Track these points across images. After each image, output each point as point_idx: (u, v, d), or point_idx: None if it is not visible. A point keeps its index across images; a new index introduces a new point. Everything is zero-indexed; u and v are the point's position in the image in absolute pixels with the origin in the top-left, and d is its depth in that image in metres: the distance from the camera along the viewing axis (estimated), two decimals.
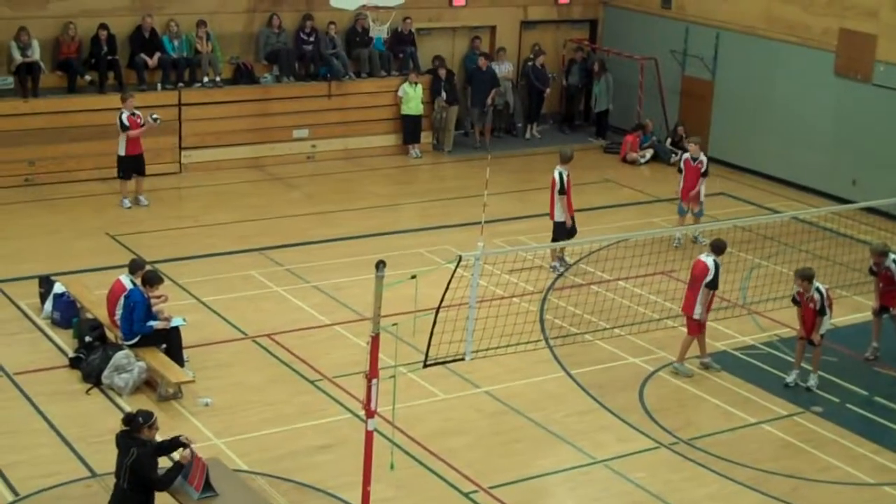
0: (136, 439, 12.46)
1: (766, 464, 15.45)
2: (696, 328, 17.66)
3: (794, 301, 17.64)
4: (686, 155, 23.12)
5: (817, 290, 17.22)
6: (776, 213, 23.85)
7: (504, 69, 30.22)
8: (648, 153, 29.30)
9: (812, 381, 17.48)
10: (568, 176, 21.23)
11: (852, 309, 20.17)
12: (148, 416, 12.63)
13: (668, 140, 29.70)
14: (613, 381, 17.52)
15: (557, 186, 21.12)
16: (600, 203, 25.41)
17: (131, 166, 23.51)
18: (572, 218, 21.20)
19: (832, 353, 18.53)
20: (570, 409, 16.66)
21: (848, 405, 17.20)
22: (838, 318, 19.35)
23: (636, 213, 25.13)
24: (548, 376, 17.56)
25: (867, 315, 19.14)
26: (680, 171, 23.15)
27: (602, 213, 24.69)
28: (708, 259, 17.53)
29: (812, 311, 17.32)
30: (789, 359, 18.23)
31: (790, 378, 17.59)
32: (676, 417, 16.57)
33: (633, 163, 29.09)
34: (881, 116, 25.68)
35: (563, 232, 21.20)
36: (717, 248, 17.72)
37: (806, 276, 17.24)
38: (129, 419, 12.64)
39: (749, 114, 28.54)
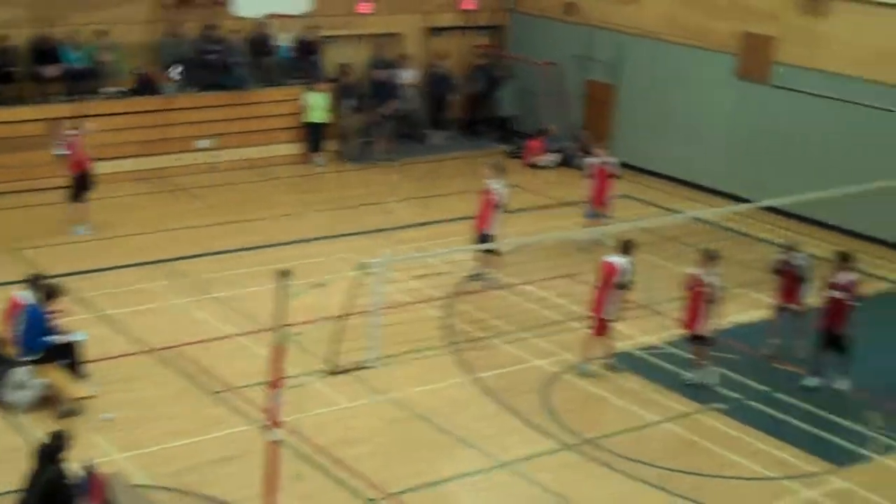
0: (56, 458, 12.29)
1: (670, 462, 15.59)
2: (601, 329, 17.79)
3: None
4: (596, 160, 23.25)
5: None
6: (678, 213, 24.09)
7: (408, 76, 30.24)
8: (553, 157, 29.47)
9: (697, 377, 17.69)
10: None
11: (752, 306, 20.42)
12: (69, 436, 12.51)
13: (573, 144, 29.89)
14: (518, 384, 17.59)
15: (499, 200, 20.85)
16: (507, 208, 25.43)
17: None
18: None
19: (733, 351, 18.80)
20: (475, 413, 16.68)
21: (749, 402, 17.42)
22: (739, 315, 19.62)
23: (541, 217, 25.24)
24: (452, 381, 17.58)
25: (767, 312, 19.41)
26: (589, 176, 23.25)
27: (506, 218, 24.69)
28: (618, 260, 17.65)
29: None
30: (691, 357, 18.45)
31: (691, 376, 17.82)
32: (581, 418, 16.66)
33: (538, 167, 29.24)
34: (780, 117, 26.08)
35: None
36: (626, 247, 17.87)
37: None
38: (56, 437, 12.49)
39: (652, 117, 28.85)
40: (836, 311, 17.52)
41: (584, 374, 17.81)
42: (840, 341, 17.63)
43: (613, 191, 23.24)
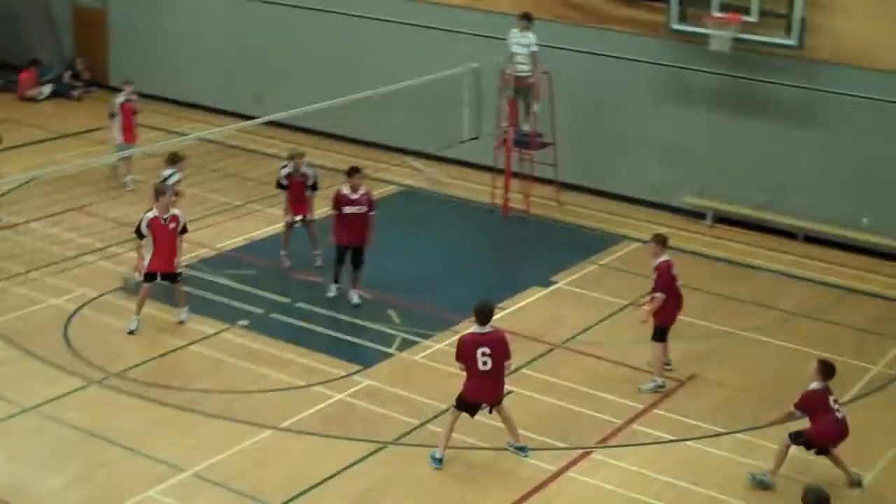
0: None
1: (200, 384, 15.54)
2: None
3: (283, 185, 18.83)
4: (121, 97, 22.42)
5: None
6: (184, 135, 23.81)
7: None
8: (47, 89, 28.29)
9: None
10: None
11: (266, 221, 20.60)
12: None
13: (69, 73, 28.84)
14: (34, 325, 16.91)
15: None
16: (2, 145, 24.22)
17: None
18: None
19: (251, 266, 18.93)
20: None
21: (272, 315, 17.62)
22: (255, 231, 19.74)
23: (41, 151, 24.22)
24: None
25: (279, 226, 19.62)
26: (115, 113, 22.41)
27: (5, 156, 23.57)
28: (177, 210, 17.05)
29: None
30: (214, 280, 18.42)
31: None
32: (104, 353, 16.24)
33: (32, 100, 27.99)
34: (276, 30, 26.25)
35: None
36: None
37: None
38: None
39: (146, 39, 28.22)
40: (352, 225, 17.80)
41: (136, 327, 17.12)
42: (357, 255, 17.98)
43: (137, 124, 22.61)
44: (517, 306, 18.27)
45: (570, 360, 16.68)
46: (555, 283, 19.21)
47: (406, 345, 16.84)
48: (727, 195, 21.80)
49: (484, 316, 13.80)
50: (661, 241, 15.97)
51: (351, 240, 17.85)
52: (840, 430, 13.66)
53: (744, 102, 21.56)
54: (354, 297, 17.95)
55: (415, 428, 14.71)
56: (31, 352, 16.18)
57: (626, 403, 15.47)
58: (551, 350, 16.89)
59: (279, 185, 19.07)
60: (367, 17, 25.01)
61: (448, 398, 15.19)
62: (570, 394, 15.69)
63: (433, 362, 16.29)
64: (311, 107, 20.26)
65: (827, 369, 13.61)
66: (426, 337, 16.99)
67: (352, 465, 13.88)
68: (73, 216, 20.32)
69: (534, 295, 18.73)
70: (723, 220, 21.88)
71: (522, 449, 14.29)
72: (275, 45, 26.34)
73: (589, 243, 20.79)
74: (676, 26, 21.33)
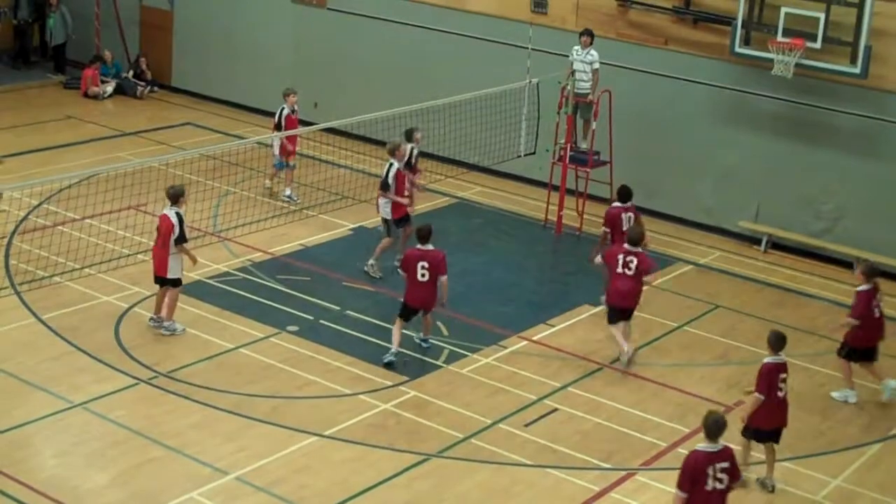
0: None
1: (247, 387, 15.61)
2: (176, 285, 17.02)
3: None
4: (287, 108, 22.15)
5: None
6: (242, 139, 23.98)
7: None
8: (111, 87, 28.59)
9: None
10: (398, 170, 19.05)
11: (320, 228, 20.70)
12: None
13: (131, 73, 29.13)
14: (87, 321, 17.04)
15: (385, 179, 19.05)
16: (63, 141, 24.58)
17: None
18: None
19: (302, 272, 19.02)
20: (43, 355, 16.04)
21: (321, 321, 17.67)
22: (308, 238, 19.83)
23: (101, 148, 24.47)
24: (17, 324, 16.82)
25: (338, 233, 19.69)
26: (279, 126, 22.08)
27: (66, 151, 23.91)
28: (170, 212, 16.60)
29: None
30: (262, 282, 18.53)
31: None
32: (154, 352, 16.36)
33: (96, 97, 28.29)
34: (338, 39, 26.39)
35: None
36: (174, 196, 16.67)
37: None
38: None
39: (211, 43, 28.47)
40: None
41: (175, 332, 17.06)
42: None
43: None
44: (567, 324, 18.22)
45: (617, 380, 16.61)
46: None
47: (453, 357, 16.84)
48: (783, 221, 21.65)
49: (422, 237, 16.24)
50: (869, 272, 16.08)
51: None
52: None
53: (804, 128, 21.41)
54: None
55: (459, 441, 14.69)
56: (81, 348, 16.32)
57: (672, 426, 15.39)
58: (599, 369, 16.83)
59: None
60: (430, 28, 25.08)
61: (494, 413, 15.27)
62: (617, 414, 15.62)
63: (480, 376, 16.28)
64: (370, 115, 20.40)
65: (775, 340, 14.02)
66: (474, 350, 16.98)
67: (394, 476, 13.88)
68: (130, 214, 20.50)
69: (584, 313, 18.67)
70: (778, 245, 21.73)
71: (425, 341, 16.93)
72: (337, 52, 26.46)
73: None
74: (740, 49, 21.20)
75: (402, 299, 16.53)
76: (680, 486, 11.47)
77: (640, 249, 16.84)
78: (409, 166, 19.49)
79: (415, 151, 19.75)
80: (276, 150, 21.88)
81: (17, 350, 16.12)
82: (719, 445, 11.61)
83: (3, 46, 30.19)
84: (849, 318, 16.15)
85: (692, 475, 11.43)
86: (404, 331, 16.65)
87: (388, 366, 16.36)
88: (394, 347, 16.49)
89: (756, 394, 13.84)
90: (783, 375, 13.94)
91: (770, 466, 14.18)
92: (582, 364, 16.90)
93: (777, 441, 14.13)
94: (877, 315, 16.18)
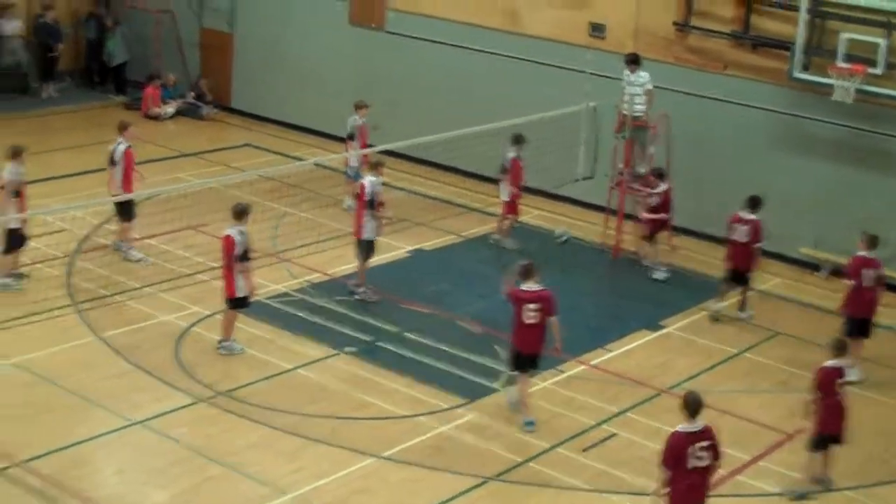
0: None
1: (305, 408, 15.66)
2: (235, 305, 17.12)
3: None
4: (360, 120, 22.51)
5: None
6: (300, 160, 24.12)
7: (13, 26, 28.83)
8: (171, 108, 28.87)
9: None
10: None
11: (379, 250, 20.72)
12: None
13: (192, 94, 29.40)
14: (146, 340, 17.18)
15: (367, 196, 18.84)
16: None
17: None
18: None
19: (363, 294, 19.07)
20: (103, 373, 16.19)
21: (379, 343, 17.71)
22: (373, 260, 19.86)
23: (162, 168, 24.65)
24: (78, 342, 16.99)
25: (395, 255, 19.74)
26: (353, 137, 22.55)
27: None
28: (233, 230, 16.67)
29: None
30: (321, 304, 18.59)
31: None
32: (213, 371, 16.46)
33: (157, 118, 28.56)
34: (395, 62, 26.52)
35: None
36: (238, 213, 16.76)
37: None
38: None
39: (270, 65, 28.69)
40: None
41: (233, 352, 17.10)
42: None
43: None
44: (624, 349, 18.16)
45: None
46: (663, 327, 19.07)
47: (512, 381, 16.79)
48: (844, 248, 21.44)
49: (526, 275, 15.15)
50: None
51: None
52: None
53: (864, 155, 21.24)
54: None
55: (517, 465, 14.66)
56: (141, 365, 16.45)
57: (731, 454, 15.23)
58: (657, 395, 16.74)
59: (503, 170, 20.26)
60: (487, 52, 25.13)
61: (552, 437, 15.22)
62: None
63: (538, 400, 16.22)
64: (428, 138, 20.47)
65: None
66: (531, 374, 16.93)
67: (451, 499, 13.87)
68: (189, 234, 20.65)
69: (641, 338, 18.60)
70: (839, 272, 21.52)
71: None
72: (394, 75, 26.58)
73: (700, 289, 20.58)
74: (799, 75, 21.10)
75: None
76: (663, 462, 12.12)
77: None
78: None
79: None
80: (353, 161, 22.00)
81: (77, 368, 16.27)
82: (699, 425, 12.18)
83: (70, 67, 30.53)
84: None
85: (674, 454, 12.03)
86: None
87: (528, 425, 15.39)
88: (528, 413, 15.31)
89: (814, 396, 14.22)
90: (842, 380, 14.18)
91: (827, 467, 14.40)
92: (640, 389, 16.83)
93: (840, 442, 14.36)
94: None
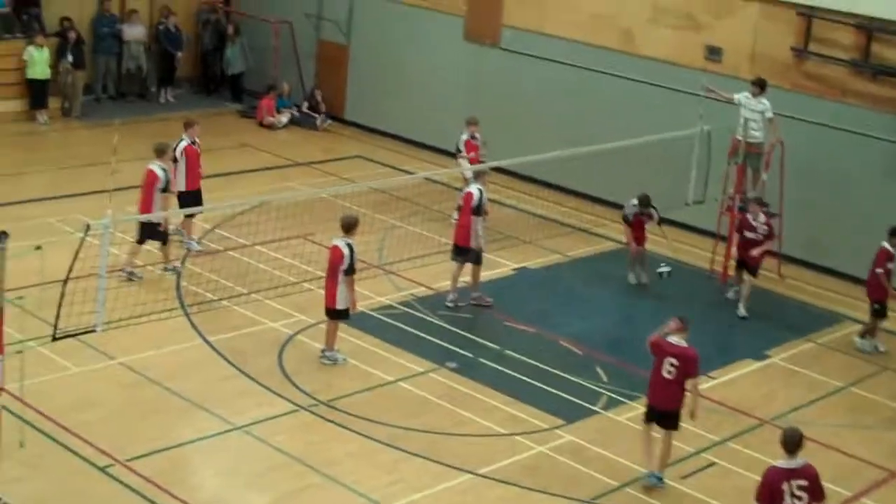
0: None
1: (404, 421, 15.72)
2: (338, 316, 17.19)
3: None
4: (469, 136, 22.85)
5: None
6: (410, 174, 24.26)
7: (136, 32, 29.44)
8: (285, 117, 29.23)
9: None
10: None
11: (484, 266, 20.76)
12: None
13: (306, 104, 29.74)
14: (252, 346, 17.40)
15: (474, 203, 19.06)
16: (237, 168, 25.13)
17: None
18: None
19: (467, 311, 19.12)
20: (208, 376, 16.43)
21: (480, 359, 17.73)
22: (467, 276, 19.88)
23: (274, 177, 25.01)
24: (185, 344, 17.26)
25: (501, 272, 19.75)
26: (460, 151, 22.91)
27: (239, 178, 24.43)
28: (341, 242, 16.74)
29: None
30: (424, 317, 18.67)
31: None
32: (315, 379, 16.61)
33: (271, 127, 28.94)
34: (509, 79, 26.57)
35: None
36: (348, 226, 16.86)
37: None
38: None
39: (383, 78, 28.92)
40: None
41: (336, 361, 17.20)
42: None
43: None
44: (728, 377, 17.95)
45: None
46: (768, 356, 18.82)
47: (612, 404, 16.72)
48: None
49: (679, 329, 14.46)
50: None
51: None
52: None
53: None
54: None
55: (614, 489, 14.58)
56: (245, 371, 16.66)
57: (832, 488, 14.98)
58: (760, 425, 16.52)
59: (625, 220, 20.69)
60: (602, 73, 25.06)
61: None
62: None
63: (637, 424, 16.08)
64: (538, 156, 20.46)
65: None
66: (632, 398, 16.80)
67: None
68: (299, 243, 20.87)
69: (746, 367, 18.38)
70: None
71: None
72: (507, 91, 26.62)
73: (808, 320, 20.29)
74: None
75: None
76: (758, 497, 11.75)
77: None
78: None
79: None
80: (468, 174, 22.09)
81: (183, 370, 16.53)
82: (799, 462, 11.79)
83: (190, 74, 31.09)
84: None
85: (769, 489, 11.67)
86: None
87: (656, 481, 14.79)
88: (655, 467, 14.64)
89: None
90: None
91: None
92: (742, 419, 16.62)
93: None
94: None
